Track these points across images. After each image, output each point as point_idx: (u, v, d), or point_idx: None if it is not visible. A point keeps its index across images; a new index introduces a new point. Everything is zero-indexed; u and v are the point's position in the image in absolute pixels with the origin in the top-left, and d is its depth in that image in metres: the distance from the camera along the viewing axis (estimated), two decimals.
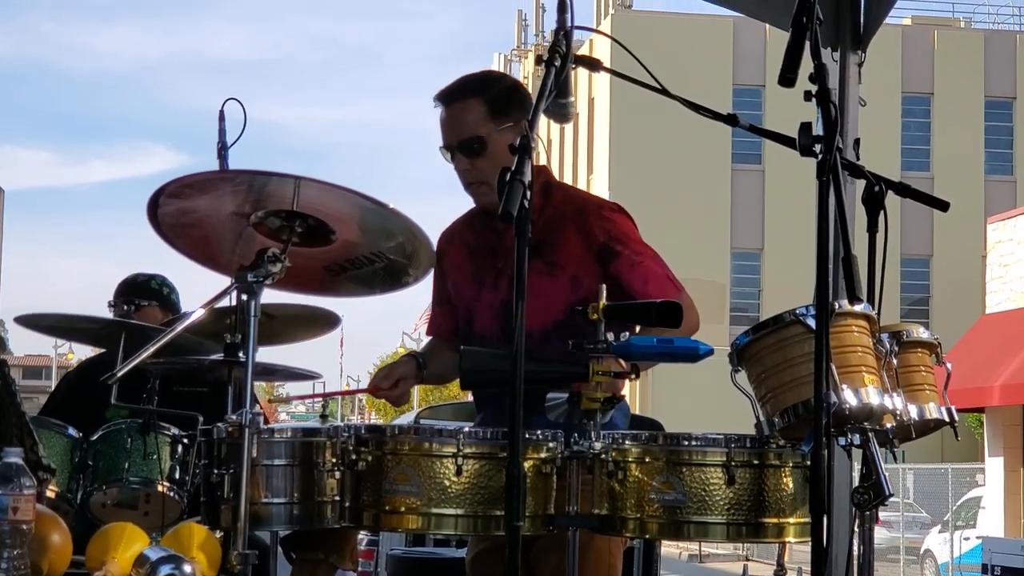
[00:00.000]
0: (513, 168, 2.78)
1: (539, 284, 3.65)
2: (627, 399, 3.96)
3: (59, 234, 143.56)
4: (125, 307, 5.35)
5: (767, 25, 6.54)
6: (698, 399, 26.47)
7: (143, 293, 5.42)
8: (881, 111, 34.85)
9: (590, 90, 39.85)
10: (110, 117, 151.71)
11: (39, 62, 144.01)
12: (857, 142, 4.41)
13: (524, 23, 50.69)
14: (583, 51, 3.55)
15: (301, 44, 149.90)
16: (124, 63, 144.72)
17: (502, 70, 30.93)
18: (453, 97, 3.79)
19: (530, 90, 3.71)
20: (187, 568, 2.89)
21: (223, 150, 4.86)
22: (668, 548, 26.96)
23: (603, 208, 3.84)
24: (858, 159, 3.98)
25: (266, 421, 3.26)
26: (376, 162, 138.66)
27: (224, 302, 3.57)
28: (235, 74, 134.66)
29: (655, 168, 36.53)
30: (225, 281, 3.63)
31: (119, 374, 3.43)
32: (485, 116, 3.73)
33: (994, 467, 23.02)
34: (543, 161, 4.00)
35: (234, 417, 3.16)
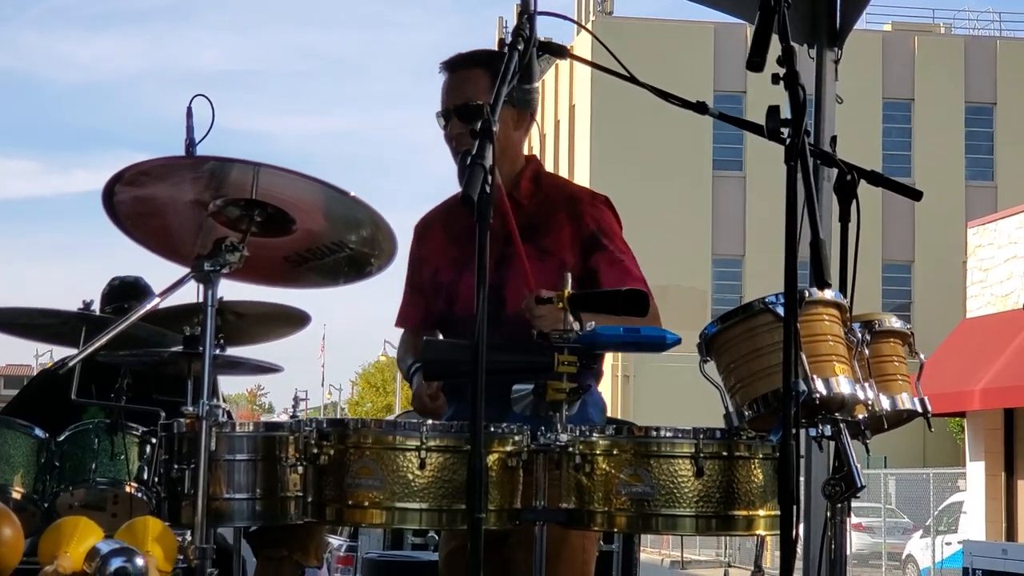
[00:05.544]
0: (474, 152, 2.72)
1: (530, 267, 3.62)
2: (603, 396, 3.92)
3: (41, 244, 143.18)
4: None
5: (747, 30, 6.52)
6: (678, 402, 26.39)
7: (140, 294, 5.32)
8: (862, 116, 34.98)
9: (571, 97, 39.87)
10: (93, 127, 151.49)
11: (21, 72, 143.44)
12: (834, 139, 4.36)
13: (505, 31, 50.69)
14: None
15: (286, 55, 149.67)
16: (107, 74, 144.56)
17: None
18: (460, 64, 3.84)
19: None
20: (139, 561, 2.84)
21: (191, 147, 4.80)
22: (650, 555, 27.00)
23: (596, 199, 3.87)
24: None
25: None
26: (360, 171, 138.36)
27: (187, 295, 3.51)
28: (219, 84, 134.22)
29: (635, 175, 36.51)
30: None
31: (71, 363, 3.36)
32: (488, 87, 3.70)
33: (975, 472, 23.01)
34: (536, 149, 3.99)
35: (191, 409, 3.09)
